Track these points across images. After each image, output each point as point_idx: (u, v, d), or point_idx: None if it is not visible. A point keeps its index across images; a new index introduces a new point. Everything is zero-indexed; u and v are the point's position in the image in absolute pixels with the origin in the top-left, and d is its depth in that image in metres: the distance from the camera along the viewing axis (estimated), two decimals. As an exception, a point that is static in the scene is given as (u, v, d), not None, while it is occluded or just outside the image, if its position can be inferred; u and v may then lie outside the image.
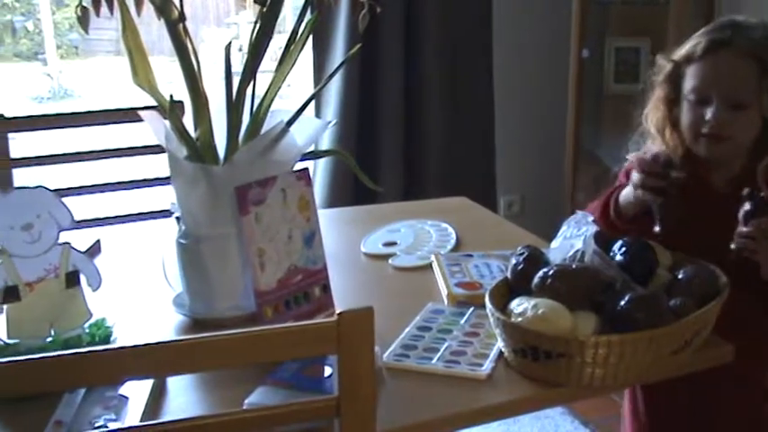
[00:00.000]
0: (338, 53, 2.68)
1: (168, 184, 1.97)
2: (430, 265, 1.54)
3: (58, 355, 0.84)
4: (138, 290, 1.47)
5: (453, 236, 1.67)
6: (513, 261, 1.26)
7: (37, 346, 1.15)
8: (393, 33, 2.73)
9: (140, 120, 1.95)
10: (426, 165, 2.90)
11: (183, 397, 1.13)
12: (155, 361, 0.86)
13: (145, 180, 2.01)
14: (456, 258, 1.53)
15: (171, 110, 1.26)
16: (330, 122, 1.31)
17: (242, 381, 1.09)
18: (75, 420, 1.03)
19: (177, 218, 1.35)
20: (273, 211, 1.29)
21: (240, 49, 2.00)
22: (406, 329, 1.28)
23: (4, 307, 1.14)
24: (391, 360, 1.19)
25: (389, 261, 1.58)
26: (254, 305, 1.34)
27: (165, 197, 2.03)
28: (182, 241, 1.33)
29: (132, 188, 2.01)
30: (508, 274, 1.27)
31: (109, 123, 2.00)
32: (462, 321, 1.30)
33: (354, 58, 1.19)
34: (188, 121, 1.33)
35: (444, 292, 1.40)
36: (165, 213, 2.01)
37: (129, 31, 1.26)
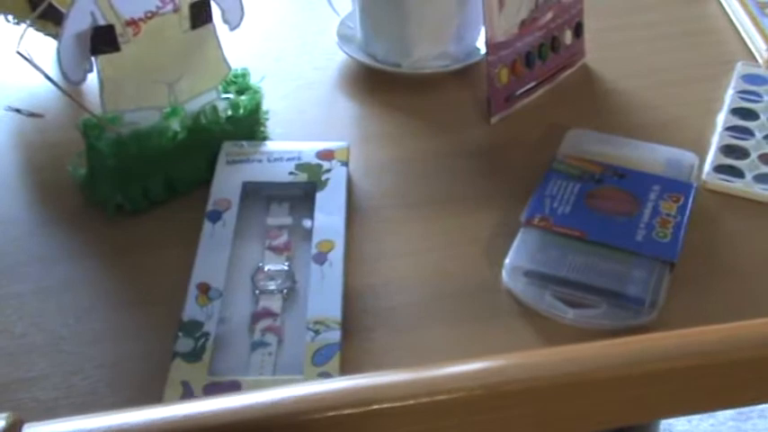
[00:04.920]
0: None
1: None
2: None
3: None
4: (272, 16, 0.98)
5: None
6: None
7: (150, 125, 0.70)
8: None
9: None
10: None
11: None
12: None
13: None
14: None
15: None
16: None
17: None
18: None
19: None
20: None
21: None
22: (719, 117, 0.80)
23: (95, 61, 0.68)
24: (715, 180, 0.74)
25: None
26: (472, 54, 0.87)
27: None
28: (362, -58, 0.82)
29: None
30: None
31: None
32: (806, 105, 0.82)
33: None
34: None
35: (757, 44, 0.90)
36: None
37: None
